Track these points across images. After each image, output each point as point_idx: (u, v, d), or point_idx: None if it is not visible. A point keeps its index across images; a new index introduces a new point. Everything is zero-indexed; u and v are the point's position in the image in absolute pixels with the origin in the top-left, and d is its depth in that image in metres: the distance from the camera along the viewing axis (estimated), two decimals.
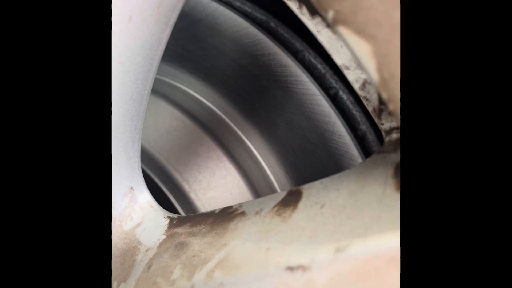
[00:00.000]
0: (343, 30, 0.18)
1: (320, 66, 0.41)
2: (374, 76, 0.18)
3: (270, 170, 0.44)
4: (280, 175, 0.44)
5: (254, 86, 0.42)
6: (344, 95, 0.41)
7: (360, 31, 0.17)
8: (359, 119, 0.41)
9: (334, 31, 0.20)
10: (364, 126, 0.41)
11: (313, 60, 0.41)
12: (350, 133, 0.40)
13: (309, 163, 0.42)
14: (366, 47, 0.17)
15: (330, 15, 0.18)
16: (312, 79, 0.41)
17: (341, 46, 0.23)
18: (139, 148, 0.31)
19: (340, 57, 0.24)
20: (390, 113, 0.23)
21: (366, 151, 0.40)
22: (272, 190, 0.44)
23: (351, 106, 0.41)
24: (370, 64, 0.17)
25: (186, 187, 0.42)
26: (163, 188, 0.41)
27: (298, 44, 0.42)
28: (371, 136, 0.41)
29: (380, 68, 0.17)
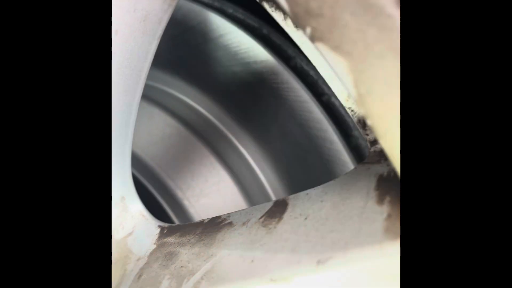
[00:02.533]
0: (320, 46, 0.18)
1: (312, 73, 0.42)
2: (352, 91, 0.18)
3: (263, 176, 0.44)
4: (274, 181, 0.44)
5: (247, 93, 0.43)
6: (336, 102, 0.41)
7: (336, 48, 0.17)
8: (351, 125, 0.41)
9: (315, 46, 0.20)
10: (356, 133, 0.41)
11: (305, 67, 0.42)
12: (342, 139, 0.40)
13: (302, 170, 0.42)
14: (343, 63, 0.17)
15: (308, 31, 0.18)
16: (304, 86, 0.41)
17: (325, 60, 0.23)
18: (130, 157, 0.31)
19: (324, 70, 0.25)
20: None
21: (358, 158, 0.40)
22: (265, 196, 0.44)
23: (343, 113, 0.41)
24: (348, 80, 0.18)
25: (179, 194, 0.42)
26: (157, 195, 0.41)
27: (290, 51, 0.42)
28: (363, 143, 0.41)
29: (356, 84, 0.17)
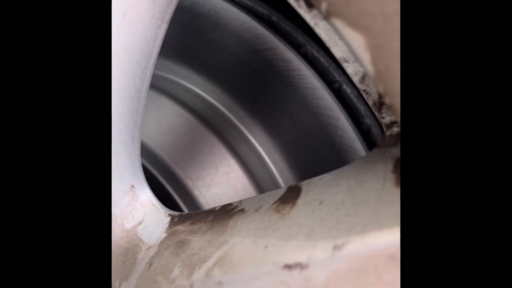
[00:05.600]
0: (337, 22, 0.17)
1: (323, 60, 0.41)
2: (370, 68, 0.17)
3: (273, 165, 0.43)
4: (284, 170, 0.43)
5: (256, 81, 0.42)
6: (347, 89, 0.40)
7: (353, 23, 0.17)
8: (363, 113, 0.40)
9: (330, 23, 0.19)
10: (368, 120, 0.40)
11: (315, 54, 0.41)
12: (354, 127, 0.39)
13: (313, 158, 0.41)
14: (360, 39, 0.17)
15: (324, 7, 0.17)
16: (315, 73, 0.40)
17: (339, 39, 0.23)
18: (139, 146, 0.31)
19: (338, 50, 0.24)
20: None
21: (370, 145, 0.40)
22: (276, 186, 0.43)
23: (355, 100, 0.40)
24: (365, 56, 0.17)
25: (189, 184, 0.42)
26: (167, 185, 0.41)
27: (300, 37, 0.41)
28: (375, 130, 0.40)
29: (375, 60, 0.17)
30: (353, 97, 0.41)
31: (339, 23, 0.17)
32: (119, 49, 0.26)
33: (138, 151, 0.31)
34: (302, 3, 0.25)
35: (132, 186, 0.32)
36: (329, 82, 0.40)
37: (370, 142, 0.40)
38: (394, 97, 0.17)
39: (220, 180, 0.42)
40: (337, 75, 0.41)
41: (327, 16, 0.17)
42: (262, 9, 0.42)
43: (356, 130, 0.39)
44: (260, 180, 0.43)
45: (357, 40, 0.17)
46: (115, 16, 0.24)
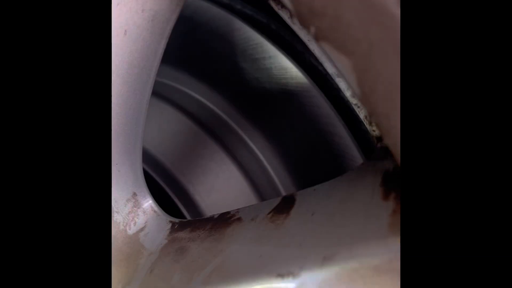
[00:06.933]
0: (325, 45, 0.18)
1: (321, 68, 0.42)
2: (356, 89, 0.18)
3: (273, 171, 0.44)
4: (283, 177, 0.44)
5: (256, 89, 0.43)
6: (344, 96, 0.41)
7: (340, 47, 0.17)
8: (360, 120, 0.41)
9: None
10: (365, 127, 0.41)
11: (313, 62, 0.42)
12: (351, 134, 0.40)
13: (311, 164, 0.42)
14: (347, 62, 0.18)
15: (312, 30, 0.18)
16: (312, 81, 0.41)
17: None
18: (141, 154, 0.32)
19: (331, 66, 0.25)
20: None
21: (367, 152, 0.40)
22: (275, 191, 0.44)
23: (352, 108, 0.41)
24: (352, 78, 0.18)
25: (190, 189, 0.43)
26: (168, 191, 0.42)
27: (299, 46, 0.42)
28: (372, 137, 0.41)
29: (360, 82, 0.17)
30: (350, 104, 0.41)
31: (327, 46, 0.18)
32: (121, 64, 0.27)
33: (140, 159, 0.32)
34: (296, 20, 0.26)
35: (134, 193, 0.33)
36: (327, 90, 0.41)
37: (366, 148, 0.41)
38: (379, 117, 0.18)
39: (220, 186, 0.43)
40: (334, 83, 0.42)
41: (316, 39, 0.18)
42: (261, 18, 0.43)
43: (353, 137, 0.40)
44: (259, 186, 0.44)
45: (344, 63, 0.18)
46: (116, 33, 0.25)
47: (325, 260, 0.20)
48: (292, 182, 0.44)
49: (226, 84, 0.44)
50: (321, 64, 0.42)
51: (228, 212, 0.28)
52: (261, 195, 0.44)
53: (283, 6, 0.26)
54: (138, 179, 0.33)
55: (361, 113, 0.25)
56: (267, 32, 0.42)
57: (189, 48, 0.44)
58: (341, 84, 0.25)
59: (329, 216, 0.21)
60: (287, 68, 0.41)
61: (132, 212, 0.33)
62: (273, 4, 0.27)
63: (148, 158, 0.43)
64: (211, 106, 0.46)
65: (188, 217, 0.42)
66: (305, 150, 0.42)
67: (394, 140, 0.17)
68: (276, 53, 0.41)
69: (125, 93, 0.28)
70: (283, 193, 0.44)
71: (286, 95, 0.42)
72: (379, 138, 0.24)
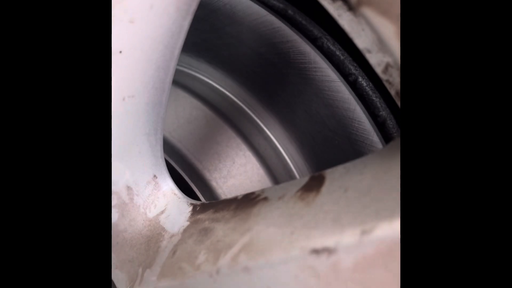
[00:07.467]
0: (367, 11, 0.18)
1: (339, 53, 0.41)
2: (398, 57, 0.18)
3: (289, 158, 0.44)
4: (300, 163, 0.44)
5: (273, 74, 0.42)
6: (363, 81, 0.41)
7: (385, 12, 0.17)
8: (379, 105, 0.40)
9: (357, 14, 0.19)
10: (384, 112, 0.41)
11: (331, 47, 0.41)
12: (370, 119, 0.40)
13: (329, 150, 0.42)
14: (391, 28, 0.17)
15: None
16: (331, 65, 0.40)
17: (363, 30, 0.23)
18: (162, 136, 0.32)
19: (362, 41, 0.24)
20: None
21: (386, 137, 0.40)
22: (292, 178, 0.44)
23: (370, 92, 0.40)
24: (395, 45, 0.17)
25: (207, 175, 0.42)
26: (185, 176, 0.41)
27: (316, 30, 0.42)
28: (391, 122, 0.40)
29: None
30: (368, 89, 0.41)
31: (369, 12, 0.17)
32: (145, 39, 0.26)
33: (160, 142, 0.32)
34: None
35: (155, 176, 0.32)
36: (345, 75, 0.41)
37: (385, 134, 0.41)
38: None
39: (236, 172, 0.43)
40: (352, 68, 0.41)
41: (357, 6, 0.18)
42: (278, 3, 0.43)
43: (372, 122, 0.40)
44: (275, 172, 0.44)
45: (388, 29, 0.17)
46: (142, 7, 0.25)
47: (363, 234, 0.19)
48: (308, 168, 0.43)
49: (243, 70, 0.44)
50: (339, 49, 0.42)
51: (252, 193, 0.28)
52: (277, 181, 0.43)
53: None
54: (158, 162, 0.32)
55: (392, 90, 0.24)
56: (284, 16, 0.42)
57: (205, 34, 0.44)
58: (372, 60, 0.24)
59: (364, 192, 0.21)
60: (305, 53, 0.41)
61: (152, 195, 0.32)
62: None
63: (164, 145, 0.43)
64: (227, 92, 0.45)
65: None
66: (322, 136, 0.42)
67: None
68: (294, 38, 0.41)
69: (149, 71, 0.27)
70: None
71: (304, 80, 0.41)
72: None
